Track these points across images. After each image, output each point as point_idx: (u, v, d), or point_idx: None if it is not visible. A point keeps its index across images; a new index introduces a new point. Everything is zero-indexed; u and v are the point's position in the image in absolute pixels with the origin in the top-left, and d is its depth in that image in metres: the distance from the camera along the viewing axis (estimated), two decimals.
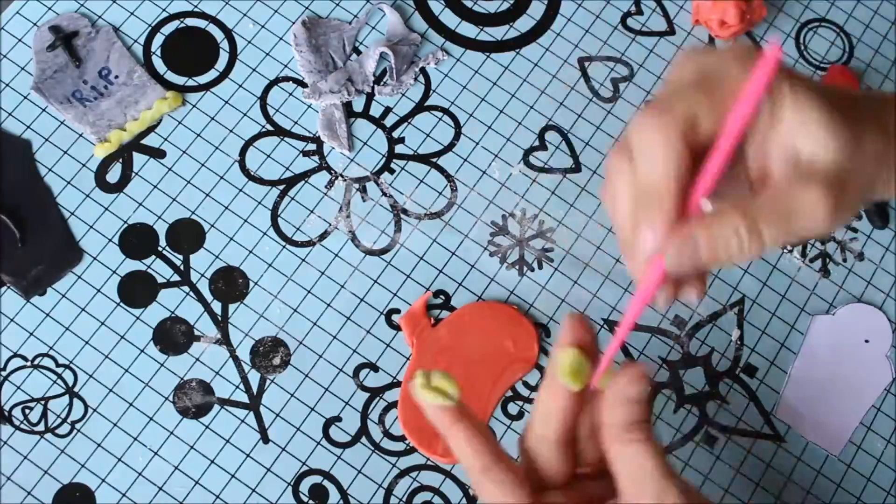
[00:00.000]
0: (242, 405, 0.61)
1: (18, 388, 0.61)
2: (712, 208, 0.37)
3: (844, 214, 0.37)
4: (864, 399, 0.65)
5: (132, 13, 0.69)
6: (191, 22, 0.69)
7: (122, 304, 0.63)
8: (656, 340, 0.65)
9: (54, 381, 0.61)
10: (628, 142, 0.38)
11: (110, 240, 0.64)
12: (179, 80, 0.68)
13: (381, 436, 0.61)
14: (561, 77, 0.70)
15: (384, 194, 0.66)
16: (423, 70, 0.69)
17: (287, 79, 0.68)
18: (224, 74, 0.68)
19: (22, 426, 0.60)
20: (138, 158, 0.66)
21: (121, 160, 0.65)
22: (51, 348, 0.61)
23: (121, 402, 0.61)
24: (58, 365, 0.61)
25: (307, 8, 0.70)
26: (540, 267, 0.66)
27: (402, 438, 0.61)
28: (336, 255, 0.65)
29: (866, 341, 0.66)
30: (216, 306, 0.63)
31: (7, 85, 0.66)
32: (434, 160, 0.68)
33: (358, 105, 0.68)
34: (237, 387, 0.62)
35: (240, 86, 0.68)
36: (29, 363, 0.61)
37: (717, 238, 0.36)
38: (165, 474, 0.60)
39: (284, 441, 0.61)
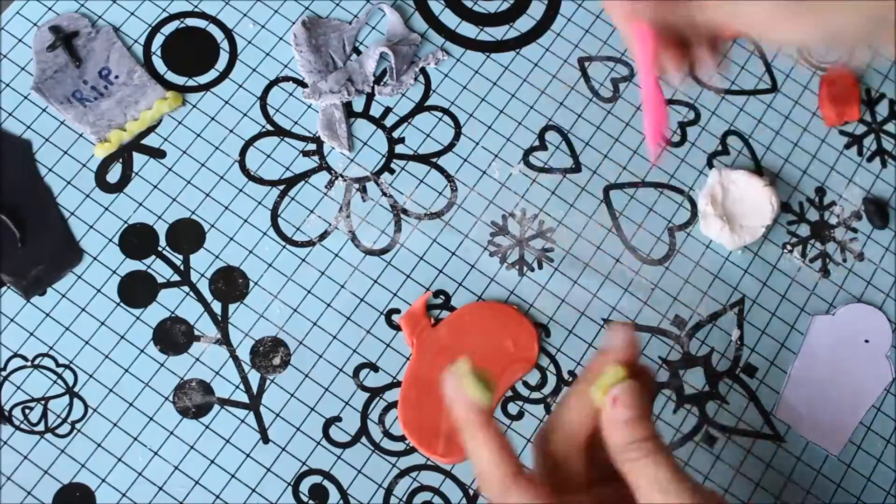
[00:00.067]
0: (242, 405, 0.61)
1: (18, 388, 0.61)
2: None
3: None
4: (864, 399, 0.65)
5: (132, 13, 0.69)
6: (191, 22, 0.69)
7: (122, 304, 0.63)
8: (656, 340, 0.65)
9: (54, 381, 0.61)
10: None
11: (110, 240, 0.64)
12: (179, 80, 0.68)
13: (381, 436, 0.62)
14: (561, 77, 0.70)
15: (384, 194, 0.66)
16: (423, 70, 0.69)
17: (287, 79, 0.68)
18: (224, 74, 0.68)
19: (22, 426, 0.60)
20: (138, 158, 0.66)
21: (121, 160, 0.65)
22: (51, 348, 0.61)
23: (121, 402, 0.61)
24: (58, 365, 0.61)
25: (307, 8, 0.70)
26: (540, 267, 0.66)
27: (402, 438, 0.61)
28: (336, 255, 0.65)
29: (866, 341, 0.66)
30: (216, 306, 0.63)
31: (7, 85, 0.66)
32: (434, 160, 0.68)
33: (358, 105, 0.68)
34: (237, 387, 0.62)
35: (240, 86, 0.68)
36: (29, 363, 0.61)
37: None
38: (165, 474, 0.60)
39: (284, 441, 0.61)
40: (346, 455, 0.61)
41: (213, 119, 0.67)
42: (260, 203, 0.65)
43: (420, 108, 0.69)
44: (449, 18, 0.71)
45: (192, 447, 0.60)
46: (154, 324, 0.62)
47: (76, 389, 0.61)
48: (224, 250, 0.64)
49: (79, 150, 0.65)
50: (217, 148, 0.66)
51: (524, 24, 0.72)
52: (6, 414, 0.60)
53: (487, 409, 0.41)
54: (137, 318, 0.62)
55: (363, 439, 0.61)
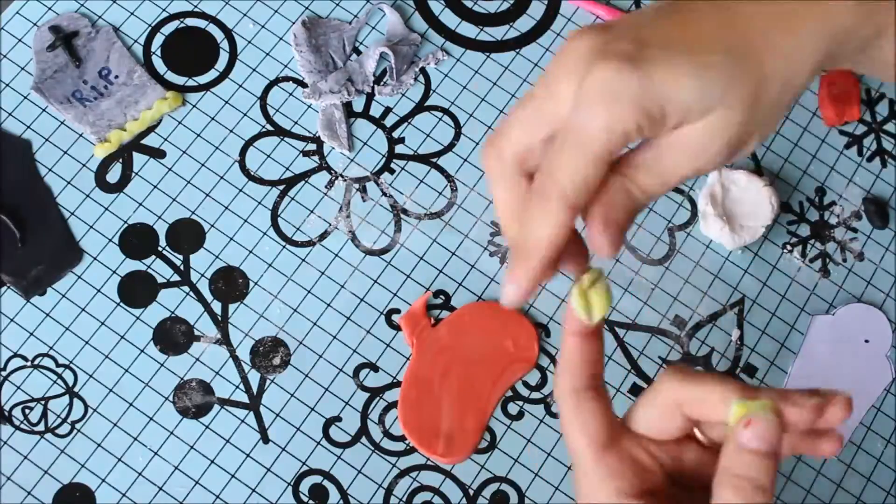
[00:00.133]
0: (242, 405, 0.61)
1: (18, 388, 0.61)
2: None
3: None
4: (864, 399, 0.65)
5: (132, 13, 0.69)
6: (191, 22, 0.69)
7: (122, 304, 0.63)
8: (656, 340, 0.65)
9: (54, 381, 0.61)
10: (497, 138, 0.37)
11: (110, 240, 0.64)
12: (179, 80, 0.68)
13: (381, 436, 0.62)
14: None
15: (384, 194, 0.66)
16: (423, 70, 0.69)
17: (287, 79, 0.68)
18: (224, 74, 0.68)
19: (22, 426, 0.60)
20: (138, 158, 0.66)
21: (121, 160, 0.65)
22: (51, 348, 0.61)
23: (121, 402, 0.61)
24: (58, 365, 0.61)
25: (307, 8, 0.70)
26: None
27: (402, 438, 0.61)
28: (336, 255, 0.65)
29: (866, 341, 0.66)
30: (216, 306, 0.63)
31: (7, 85, 0.66)
32: (434, 160, 0.68)
33: (358, 105, 0.68)
34: (237, 387, 0.62)
35: (240, 86, 0.68)
36: (29, 363, 0.61)
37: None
38: (165, 474, 0.60)
39: (284, 441, 0.61)
40: (346, 455, 0.61)
41: (213, 119, 0.67)
42: (260, 203, 0.65)
43: (420, 108, 0.69)
44: (449, 18, 0.71)
45: (192, 447, 0.60)
46: (154, 324, 0.62)
47: (76, 389, 0.61)
48: (224, 250, 0.64)
49: (79, 150, 0.65)
50: (217, 148, 0.66)
51: (524, 24, 0.72)
52: (6, 414, 0.60)
53: (591, 326, 0.38)
54: (137, 318, 0.62)
55: (363, 439, 0.61)
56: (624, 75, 0.33)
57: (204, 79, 0.68)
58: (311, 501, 0.60)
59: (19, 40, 0.67)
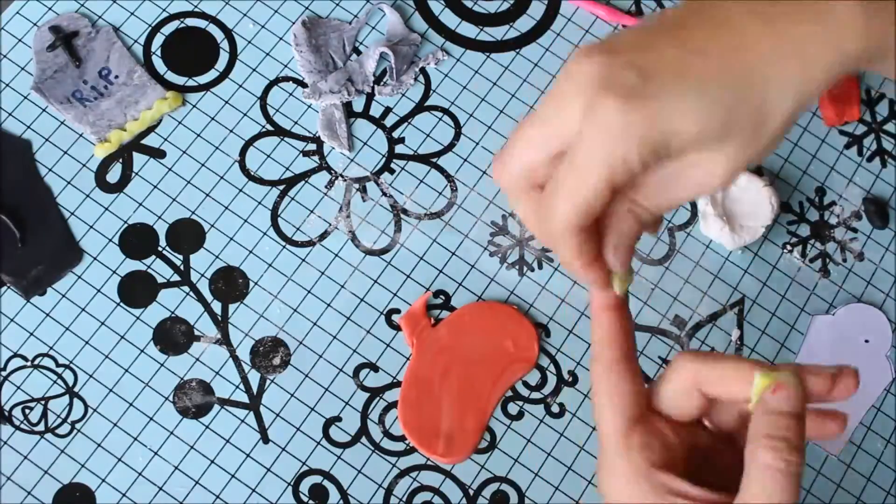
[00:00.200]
0: (242, 405, 0.61)
1: (18, 388, 0.61)
2: None
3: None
4: (864, 399, 0.65)
5: (132, 13, 0.69)
6: (191, 22, 0.69)
7: (122, 304, 0.63)
8: (656, 340, 0.65)
9: (54, 381, 0.61)
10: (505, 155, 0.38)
11: (110, 240, 0.64)
12: (179, 80, 0.68)
13: (381, 436, 0.62)
14: None
15: (384, 194, 0.66)
16: (423, 70, 0.69)
17: (287, 79, 0.68)
18: (224, 74, 0.68)
19: (22, 426, 0.60)
20: (138, 158, 0.66)
21: (121, 160, 0.65)
22: (51, 348, 0.61)
23: (121, 402, 0.61)
24: (58, 365, 0.61)
25: (307, 8, 0.70)
26: (540, 267, 0.66)
27: (402, 438, 0.61)
28: (336, 255, 0.65)
29: (866, 341, 0.66)
30: (216, 306, 0.63)
31: (7, 85, 0.66)
32: (434, 160, 0.68)
33: (358, 105, 0.68)
34: (237, 387, 0.62)
35: (240, 86, 0.68)
36: (29, 363, 0.61)
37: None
38: (165, 474, 0.60)
39: (284, 441, 0.61)
40: (346, 455, 0.61)
41: (213, 119, 0.67)
42: (260, 203, 0.65)
43: (420, 108, 0.69)
44: (449, 18, 0.71)
45: (192, 447, 0.60)
46: (154, 324, 0.62)
47: (76, 389, 0.61)
48: (224, 250, 0.64)
49: (79, 150, 0.65)
50: (217, 148, 0.66)
51: (524, 24, 0.72)
52: (6, 414, 0.60)
53: (617, 297, 0.39)
54: (137, 318, 0.62)
55: (363, 439, 0.61)
56: (628, 114, 0.33)
57: (204, 79, 0.68)
58: (311, 501, 0.60)
59: (19, 40, 0.67)
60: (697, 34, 0.35)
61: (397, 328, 0.64)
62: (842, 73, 0.36)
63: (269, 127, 0.67)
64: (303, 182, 0.66)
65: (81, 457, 0.60)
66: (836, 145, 0.70)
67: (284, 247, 0.65)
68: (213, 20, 0.69)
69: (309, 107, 0.68)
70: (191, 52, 0.68)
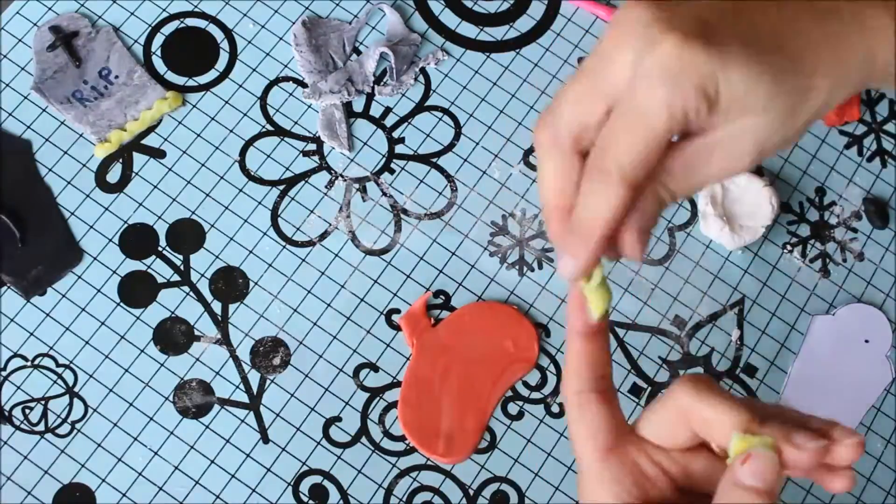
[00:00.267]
0: (242, 405, 0.61)
1: (18, 388, 0.61)
2: None
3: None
4: (864, 399, 0.65)
5: (132, 13, 0.69)
6: (191, 22, 0.69)
7: (122, 304, 0.63)
8: (656, 340, 0.65)
9: (54, 381, 0.61)
10: (552, 114, 0.36)
11: (110, 240, 0.64)
12: (179, 80, 0.68)
13: (381, 436, 0.62)
14: (561, 77, 0.70)
15: (384, 194, 0.66)
16: (423, 70, 0.69)
17: (287, 79, 0.68)
18: (224, 74, 0.68)
19: (22, 426, 0.60)
20: (138, 158, 0.66)
21: (121, 160, 0.65)
22: (51, 348, 0.61)
23: (121, 402, 0.61)
24: (58, 365, 0.61)
25: (307, 8, 0.70)
26: (540, 267, 0.66)
27: (402, 438, 0.61)
28: (336, 255, 0.65)
29: (866, 341, 0.66)
30: (216, 306, 0.63)
31: (7, 85, 0.66)
32: (434, 160, 0.68)
33: (358, 105, 0.68)
34: (237, 387, 0.62)
35: (240, 86, 0.68)
36: (29, 363, 0.61)
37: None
38: (165, 474, 0.60)
39: (284, 441, 0.61)
40: (346, 455, 0.61)
41: (213, 119, 0.67)
42: (260, 203, 0.65)
43: (420, 108, 0.69)
44: (449, 18, 0.71)
45: (192, 447, 0.60)
46: (154, 324, 0.62)
47: (76, 389, 0.61)
48: (224, 250, 0.64)
49: (79, 150, 0.65)
50: (217, 148, 0.66)
51: (524, 24, 0.72)
52: (6, 414, 0.60)
53: (596, 321, 0.37)
54: (137, 318, 0.62)
55: (363, 439, 0.61)
56: (692, 51, 0.32)
57: (204, 79, 0.68)
58: (311, 501, 0.60)
59: (19, 40, 0.67)
60: (754, 13, 0.34)
61: (397, 328, 0.64)
62: (870, 78, 0.36)
63: (269, 127, 0.67)
64: (303, 182, 0.66)
65: (81, 457, 0.60)
66: (837, 145, 0.70)
67: (284, 247, 0.65)
68: (213, 20, 0.69)
69: (309, 107, 0.68)
70: (191, 52, 0.68)
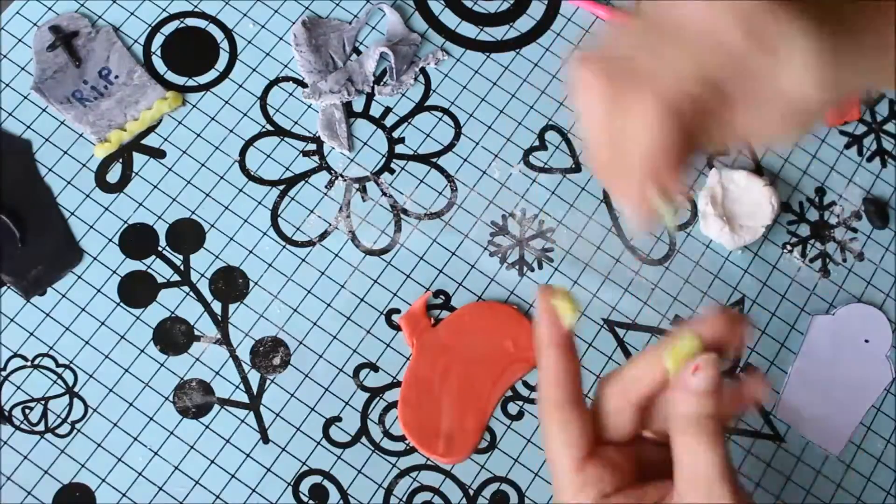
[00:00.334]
0: (242, 405, 0.61)
1: (18, 388, 0.61)
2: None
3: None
4: (864, 399, 0.65)
5: (132, 13, 0.69)
6: (191, 22, 0.69)
7: (122, 304, 0.63)
8: (656, 340, 0.65)
9: (54, 381, 0.61)
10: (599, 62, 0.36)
11: (110, 240, 0.64)
12: (179, 80, 0.68)
13: (381, 436, 0.62)
14: (561, 77, 0.70)
15: (384, 194, 0.66)
16: (423, 70, 0.69)
17: (287, 79, 0.68)
18: (224, 74, 0.68)
19: (22, 426, 0.60)
20: (138, 158, 0.66)
21: (121, 160, 0.65)
22: (51, 348, 0.61)
23: (121, 402, 0.61)
24: (58, 365, 0.61)
25: (307, 8, 0.70)
26: (540, 267, 0.66)
27: (402, 438, 0.61)
28: (336, 255, 0.65)
29: (866, 341, 0.66)
30: (216, 306, 0.63)
31: (7, 85, 0.66)
32: (434, 160, 0.68)
33: (358, 105, 0.68)
34: (237, 387, 0.62)
35: (240, 86, 0.68)
36: (29, 363, 0.61)
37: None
38: (165, 474, 0.60)
39: (284, 441, 0.61)
40: (346, 455, 0.61)
41: (213, 119, 0.67)
42: (260, 203, 0.65)
43: (420, 108, 0.69)
44: (449, 18, 0.71)
45: (192, 447, 0.60)
46: (154, 324, 0.62)
47: (76, 389, 0.61)
48: (224, 250, 0.64)
49: (79, 150, 0.65)
50: (217, 148, 0.66)
51: (524, 24, 0.72)
52: (6, 414, 0.60)
53: (565, 330, 0.41)
54: (137, 318, 0.62)
55: (363, 439, 0.61)
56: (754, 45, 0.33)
57: (204, 79, 0.68)
58: (311, 501, 0.60)
59: (19, 40, 0.67)
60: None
61: (397, 328, 0.64)
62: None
63: (269, 127, 0.67)
64: (303, 182, 0.66)
65: (81, 457, 0.60)
66: (836, 145, 0.70)
67: (284, 247, 0.65)
68: (213, 20, 0.69)
69: (309, 107, 0.68)
70: (191, 52, 0.68)
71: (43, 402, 0.60)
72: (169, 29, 0.69)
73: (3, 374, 0.61)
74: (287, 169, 0.66)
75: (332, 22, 0.70)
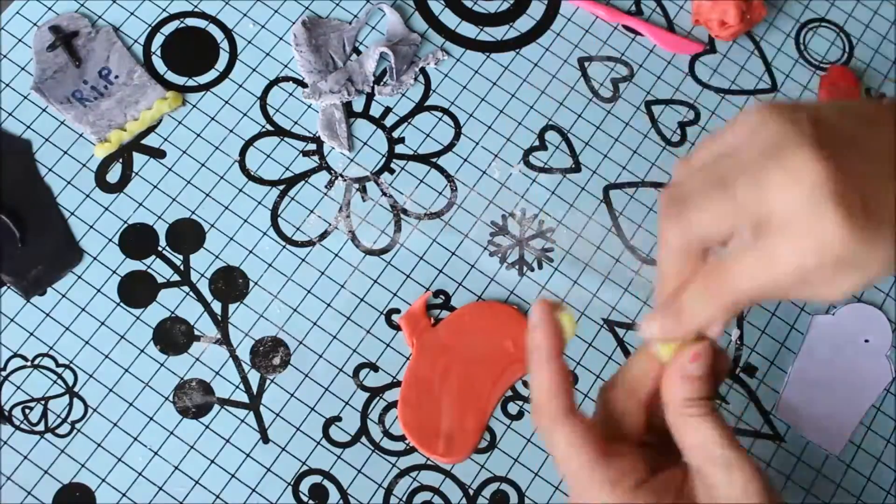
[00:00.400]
0: (242, 405, 0.61)
1: (18, 388, 0.61)
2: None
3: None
4: (864, 399, 0.65)
5: (132, 13, 0.69)
6: (191, 22, 0.69)
7: (122, 304, 0.63)
8: None
9: (54, 381, 0.61)
10: (679, 195, 0.38)
11: (110, 240, 0.64)
12: (179, 80, 0.68)
13: (381, 436, 0.62)
14: (561, 77, 0.70)
15: (384, 194, 0.66)
16: (423, 70, 0.69)
17: (287, 79, 0.68)
18: (224, 74, 0.68)
19: (22, 426, 0.60)
20: (138, 158, 0.66)
21: (121, 160, 0.65)
22: (51, 348, 0.61)
23: (121, 402, 0.61)
24: (58, 365, 0.61)
25: (307, 8, 0.70)
26: (540, 267, 0.66)
27: (402, 438, 0.61)
28: (336, 255, 0.65)
29: (866, 341, 0.66)
30: (216, 306, 0.63)
31: (7, 85, 0.66)
32: (434, 160, 0.68)
33: (358, 105, 0.68)
34: (237, 387, 0.62)
35: (240, 86, 0.68)
36: (29, 363, 0.61)
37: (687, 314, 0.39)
38: (165, 474, 0.60)
39: (284, 441, 0.61)
40: (346, 455, 0.61)
41: (213, 119, 0.67)
42: (260, 203, 0.65)
43: (420, 108, 0.69)
44: (449, 18, 0.71)
45: (192, 447, 0.60)
46: (154, 324, 0.62)
47: (76, 389, 0.61)
48: (224, 250, 0.64)
49: (79, 150, 0.65)
50: (217, 148, 0.66)
51: (524, 24, 0.72)
52: (6, 414, 0.60)
53: (560, 344, 0.42)
54: (137, 318, 0.62)
55: (363, 439, 0.61)
56: (855, 243, 0.34)
57: (204, 79, 0.68)
58: (311, 501, 0.60)
59: (19, 40, 0.67)
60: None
61: (397, 328, 0.64)
62: None
63: (269, 127, 0.67)
64: (303, 182, 0.66)
65: (81, 457, 0.60)
66: None
67: (284, 247, 0.65)
68: (213, 20, 0.69)
69: (309, 107, 0.68)
70: (191, 52, 0.68)
71: (43, 402, 0.60)
72: (169, 29, 0.69)
73: (3, 374, 0.61)
74: (287, 169, 0.66)
75: (332, 22, 0.70)
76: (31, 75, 0.66)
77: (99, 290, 0.63)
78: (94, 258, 0.63)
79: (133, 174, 0.65)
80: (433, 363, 0.62)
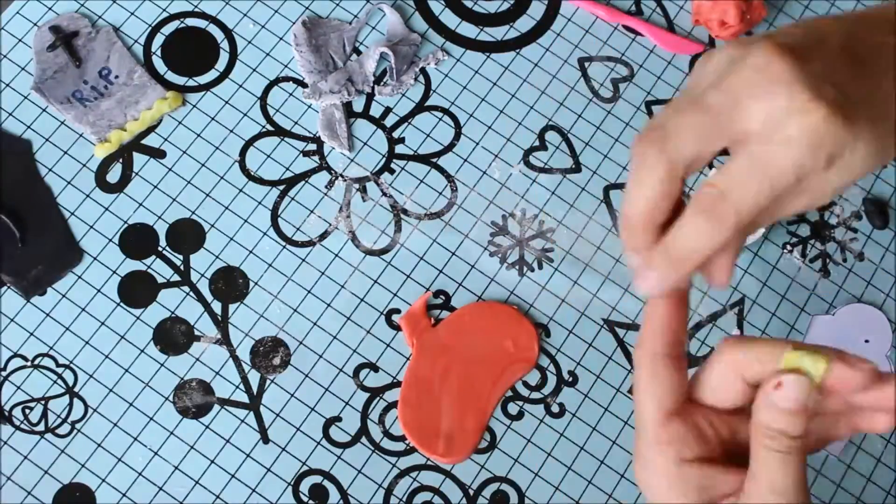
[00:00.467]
0: (242, 405, 0.61)
1: (18, 388, 0.61)
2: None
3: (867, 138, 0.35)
4: None
5: (132, 13, 0.69)
6: (191, 22, 0.69)
7: (122, 304, 0.63)
8: None
9: (54, 381, 0.61)
10: (656, 131, 0.37)
11: (110, 240, 0.64)
12: (179, 80, 0.68)
13: (381, 436, 0.62)
14: (561, 77, 0.70)
15: (384, 194, 0.66)
16: (423, 70, 0.69)
17: (287, 79, 0.68)
18: (224, 74, 0.68)
19: (22, 426, 0.60)
20: (138, 158, 0.66)
21: (121, 160, 0.65)
22: (51, 348, 0.61)
23: (121, 402, 0.61)
24: (58, 365, 0.61)
25: (307, 8, 0.70)
26: (540, 267, 0.66)
27: (402, 438, 0.61)
28: (336, 255, 0.65)
29: (866, 341, 0.66)
30: (216, 306, 0.63)
31: (7, 85, 0.66)
32: (434, 160, 0.68)
33: (358, 105, 0.68)
34: (237, 387, 0.62)
35: (240, 86, 0.68)
36: (29, 363, 0.61)
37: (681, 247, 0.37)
38: (165, 474, 0.60)
39: (284, 441, 0.61)
40: (346, 455, 0.61)
41: (213, 119, 0.67)
42: (260, 203, 0.65)
43: (420, 108, 0.69)
44: (449, 18, 0.71)
45: (192, 447, 0.60)
46: (154, 324, 0.62)
47: (76, 389, 0.61)
48: (224, 250, 0.64)
49: (79, 150, 0.65)
50: (217, 148, 0.66)
51: (524, 24, 0.72)
52: (6, 414, 0.60)
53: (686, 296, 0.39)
54: (137, 318, 0.62)
55: (363, 439, 0.61)
56: (835, 125, 0.34)
57: (204, 79, 0.68)
58: (311, 501, 0.60)
59: (19, 40, 0.67)
60: (880, 81, 0.36)
61: (397, 328, 0.64)
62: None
63: (269, 127, 0.67)
64: (303, 182, 0.66)
65: (81, 457, 0.60)
66: None
67: (284, 247, 0.65)
68: (213, 20, 0.69)
69: (309, 107, 0.68)
70: (191, 52, 0.68)
71: (43, 402, 0.60)
72: (169, 29, 0.69)
73: (3, 374, 0.61)
74: (287, 169, 0.66)
75: (332, 22, 0.70)
76: (32, 75, 0.66)
77: (99, 291, 0.63)
78: (95, 258, 0.63)
79: (133, 174, 0.65)
80: (433, 363, 0.62)
